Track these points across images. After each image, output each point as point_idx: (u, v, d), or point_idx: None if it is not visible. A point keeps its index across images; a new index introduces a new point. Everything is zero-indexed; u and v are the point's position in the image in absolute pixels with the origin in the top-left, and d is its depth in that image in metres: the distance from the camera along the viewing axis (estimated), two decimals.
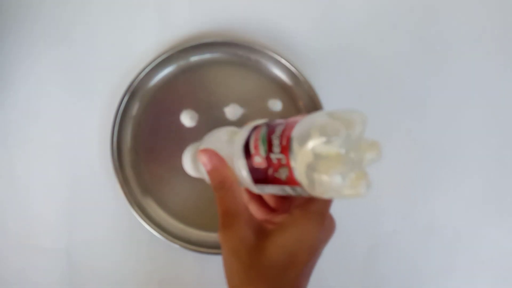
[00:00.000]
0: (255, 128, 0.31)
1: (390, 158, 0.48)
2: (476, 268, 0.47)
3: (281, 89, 0.48)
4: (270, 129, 0.29)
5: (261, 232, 0.30)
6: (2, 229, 0.46)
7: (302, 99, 0.47)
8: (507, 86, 0.50)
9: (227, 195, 0.31)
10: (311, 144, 0.25)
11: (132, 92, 0.46)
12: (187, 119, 0.47)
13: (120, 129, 0.46)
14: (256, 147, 0.29)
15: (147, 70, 0.46)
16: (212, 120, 0.47)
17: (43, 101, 0.48)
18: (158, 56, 0.46)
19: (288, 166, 0.27)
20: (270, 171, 0.28)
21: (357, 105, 0.49)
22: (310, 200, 0.30)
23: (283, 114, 0.47)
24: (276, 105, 0.47)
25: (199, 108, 0.47)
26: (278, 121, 0.30)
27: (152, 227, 0.44)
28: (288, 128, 0.28)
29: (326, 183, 0.25)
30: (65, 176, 0.46)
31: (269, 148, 0.28)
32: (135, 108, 0.47)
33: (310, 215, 0.29)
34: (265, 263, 0.29)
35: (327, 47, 0.50)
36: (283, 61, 0.47)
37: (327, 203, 0.30)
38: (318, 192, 0.26)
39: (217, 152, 0.33)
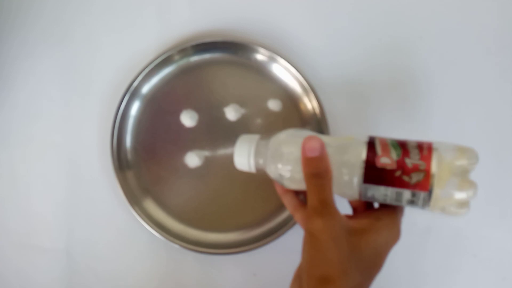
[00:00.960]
0: (373, 137, 0.34)
1: None
2: (476, 268, 0.47)
3: (281, 89, 0.48)
4: (399, 140, 0.33)
5: (350, 228, 0.32)
6: (2, 228, 0.46)
7: (302, 99, 0.47)
8: (507, 86, 0.50)
9: (329, 184, 0.32)
10: (460, 160, 0.31)
11: (132, 92, 0.46)
12: (187, 119, 0.47)
13: (120, 129, 0.46)
14: (385, 150, 0.32)
15: (147, 70, 0.46)
16: (212, 120, 0.47)
17: (43, 101, 0.48)
18: (158, 56, 0.46)
19: (426, 172, 0.31)
20: (398, 173, 0.31)
21: (357, 104, 0.49)
22: (395, 211, 0.34)
23: (283, 114, 0.47)
24: (276, 105, 0.47)
25: (199, 108, 0.47)
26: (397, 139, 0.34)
27: (152, 227, 0.44)
28: (424, 144, 0.32)
29: (461, 195, 0.31)
30: (65, 176, 0.47)
31: (405, 153, 0.32)
32: (135, 108, 0.47)
33: (395, 224, 0.33)
34: (360, 256, 0.31)
35: (327, 47, 0.50)
36: (283, 61, 0.47)
37: (402, 216, 0.34)
38: (442, 204, 0.31)
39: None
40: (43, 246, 0.46)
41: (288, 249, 0.46)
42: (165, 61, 0.47)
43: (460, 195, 0.31)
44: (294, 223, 0.45)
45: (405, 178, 0.31)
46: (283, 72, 0.47)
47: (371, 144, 0.33)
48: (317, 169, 0.32)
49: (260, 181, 0.46)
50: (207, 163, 0.46)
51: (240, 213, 0.46)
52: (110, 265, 0.46)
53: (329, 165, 0.33)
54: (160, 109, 0.47)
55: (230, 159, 0.46)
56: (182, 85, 0.47)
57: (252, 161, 0.37)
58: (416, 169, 0.31)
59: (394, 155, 0.32)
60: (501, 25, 0.51)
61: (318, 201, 0.32)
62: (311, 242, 0.31)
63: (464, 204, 0.31)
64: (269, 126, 0.47)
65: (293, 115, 0.47)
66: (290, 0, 0.50)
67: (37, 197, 0.46)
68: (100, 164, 0.46)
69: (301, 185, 0.34)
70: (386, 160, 0.32)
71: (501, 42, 0.50)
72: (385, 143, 0.33)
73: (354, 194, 0.33)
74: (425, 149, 0.32)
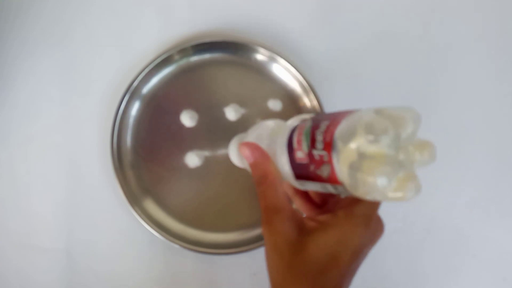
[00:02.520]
0: (301, 122, 0.30)
1: None
2: (476, 268, 0.47)
3: (281, 89, 0.48)
4: (315, 124, 0.28)
5: (303, 229, 0.29)
6: (2, 228, 0.46)
7: (302, 99, 0.47)
8: (507, 86, 0.50)
9: (269, 190, 0.30)
10: (356, 142, 0.24)
11: (132, 92, 0.46)
12: (187, 119, 0.47)
13: (120, 129, 0.46)
14: (299, 142, 0.28)
15: (147, 70, 0.46)
16: (212, 120, 0.47)
17: (43, 101, 0.48)
18: (158, 56, 0.46)
19: (330, 163, 0.26)
20: (312, 168, 0.27)
21: (358, 104, 0.48)
22: (356, 201, 0.29)
23: (283, 114, 0.47)
24: (276, 105, 0.47)
25: (199, 108, 0.47)
26: (326, 115, 0.29)
27: (152, 227, 0.44)
28: (333, 124, 0.26)
29: (370, 184, 0.24)
30: (65, 176, 0.47)
31: (312, 144, 0.27)
32: (135, 108, 0.47)
33: (355, 217, 0.29)
34: (306, 261, 0.28)
35: (327, 47, 0.50)
36: (283, 61, 0.47)
37: (374, 205, 0.29)
38: (361, 193, 0.25)
39: (259, 145, 0.32)
40: (43, 246, 0.46)
41: None
42: (165, 61, 0.47)
43: (374, 181, 0.24)
44: None
45: (318, 172, 0.27)
46: (283, 72, 0.47)
47: (291, 135, 0.29)
48: (254, 177, 0.31)
49: None
50: (207, 163, 0.46)
51: (240, 213, 0.46)
52: (110, 265, 0.46)
53: (267, 168, 0.31)
54: (160, 109, 0.47)
55: (230, 159, 0.46)
56: (182, 85, 0.47)
57: (239, 159, 0.37)
58: (322, 161, 0.26)
59: (305, 146, 0.27)
60: (501, 25, 0.51)
61: (262, 209, 0.31)
62: (265, 250, 0.31)
63: (401, 186, 0.24)
64: None
65: (293, 115, 0.46)
66: (290, 0, 0.50)
67: (37, 197, 0.46)
68: (100, 164, 0.46)
69: (293, 182, 0.31)
70: (300, 155, 0.28)
71: (501, 42, 0.50)
72: (300, 132, 0.28)
73: (301, 188, 0.30)
74: (328, 134, 0.26)
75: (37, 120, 0.47)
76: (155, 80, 0.47)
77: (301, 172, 0.28)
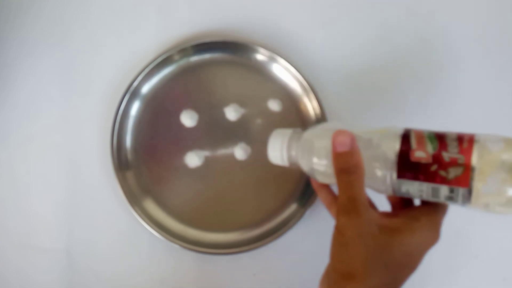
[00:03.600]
0: (409, 130, 0.32)
1: None
2: (477, 268, 0.47)
3: (281, 89, 0.48)
4: (437, 133, 0.31)
5: (383, 227, 0.31)
6: (2, 228, 0.46)
7: (302, 99, 0.47)
8: (507, 86, 0.50)
9: (358, 180, 0.31)
10: (506, 152, 0.28)
11: (132, 92, 0.46)
12: (187, 119, 0.47)
13: (120, 129, 0.46)
14: (420, 143, 0.30)
15: (147, 70, 0.46)
16: (212, 120, 0.47)
17: (43, 101, 0.48)
18: (158, 56, 0.46)
19: (465, 166, 0.28)
20: (434, 168, 0.30)
21: (358, 104, 0.49)
22: (435, 211, 0.32)
23: (283, 114, 0.47)
24: (276, 105, 0.47)
25: (199, 108, 0.47)
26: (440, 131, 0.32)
27: (152, 227, 0.44)
28: (465, 135, 0.30)
29: (504, 193, 0.28)
30: (65, 176, 0.46)
31: (442, 146, 0.30)
32: (135, 108, 0.47)
33: (434, 225, 0.32)
34: (390, 256, 0.30)
35: (327, 47, 0.50)
36: (283, 61, 0.47)
37: (444, 215, 0.33)
38: (485, 201, 0.29)
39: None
40: (43, 246, 0.46)
41: (288, 249, 0.46)
42: (165, 61, 0.47)
43: (506, 191, 0.28)
44: (294, 223, 0.45)
45: (442, 173, 0.29)
46: (283, 72, 0.47)
47: (405, 137, 0.31)
48: (346, 165, 0.32)
49: (261, 181, 0.46)
50: (207, 163, 0.46)
51: (240, 213, 0.46)
52: (110, 265, 0.46)
53: (360, 160, 0.32)
54: (160, 109, 0.47)
55: (230, 159, 0.46)
56: (182, 85, 0.47)
57: (285, 155, 0.37)
58: (454, 163, 0.29)
59: (430, 148, 0.30)
60: (501, 25, 0.51)
61: (346, 198, 0.31)
62: (337, 238, 0.32)
63: (511, 202, 0.28)
64: (269, 126, 0.47)
65: (293, 115, 0.47)
66: (291, 0, 0.50)
67: (37, 197, 0.46)
68: (100, 164, 0.46)
69: (333, 180, 0.33)
70: (421, 154, 0.30)
71: (501, 42, 0.50)
72: (421, 136, 0.31)
73: (388, 189, 0.32)
74: (465, 141, 0.29)
75: (37, 120, 0.47)
76: (155, 80, 0.47)
77: (412, 170, 0.30)
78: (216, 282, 0.46)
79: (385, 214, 0.34)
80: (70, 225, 0.46)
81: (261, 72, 0.48)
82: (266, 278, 0.46)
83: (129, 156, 0.46)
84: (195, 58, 0.48)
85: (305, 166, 0.36)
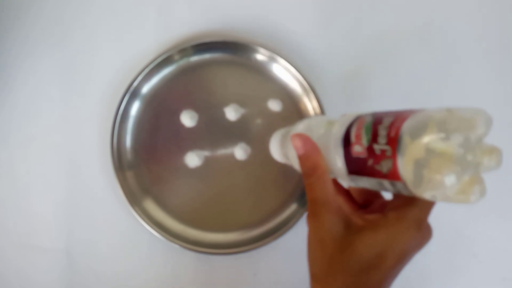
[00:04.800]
0: (358, 117, 0.29)
1: None
2: (477, 268, 0.47)
3: (281, 89, 0.48)
4: (377, 119, 0.28)
5: (350, 225, 0.29)
6: (2, 228, 0.46)
7: (302, 99, 0.47)
8: (507, 86, 0.50)
9: (318, 182, 0.30)
10: (427, 138, 0.23)
11: (132, 92, 0.46)
12: (187, 119, 0.47)
13: (120, 129, 0.46)
14: (357, 136, 0.28)
15: (147, 70, 0.46)
16: (212, 120, 0.47)
17: (43, 101, 0.48)
18: (158, 56, 0.46)
19: (393, 158, 0.25)
20: (370, 162, 0.27)
21: (358, 104, 0.49)
22: (408, 204, 0.28)
23: (283, 114, 0.47)
24: (276, 105, 0.47)
25: (199, 108, 0.47)
26: (387, 112, 0.28)
27: (152, 227, 0.44)
28: (398, 120, 0.26)
29: (437, 182, 0.23)
30: (65, 176, 0.47)
31: (374, 138, 0.26)
32: (135, 108, 0.47)
33: (407, 220, 0.28)
34: (351, 257, 0.28)
35: (328, 47, 0.50)
36: (283, 61, 0.47)
37: (427, 209, 0.29)
38: (423, 191, 0.24)
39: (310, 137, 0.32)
40: (43, 246, 0.46)
41: (288, 249, 0.46)
42: (165, 61, 0.47)
43: (442, 179, 0.23)
44: (294, 223, 0.45)
45: (377, 167, 0.26)
46: (283, 72, 0.47)
47: (348, 130, 0.29)
48: (304, 167, 0.31)
49: (261, 181, 0.46)
50: (207, 163, 0.46)
51: (240, 213, 0.46)
52: (110, 265, 0.46)
53: (317, 161, 0.31)
54: (160, 109, 0.47)
55: (230, 159, 0.46)
56: (182, 85, 0.47)
57: (281, 152, 0.37)
58: (383, 156, 0.26)
59: (365, 140, 0.27)
60: (501, 25, 0.51)
61: (309, 201, 0.31)
62: (307, 241, 0.32)
63: (467, 188, 0.24)
64: (269, 126, 0.47)
65: (293, 115, 0.47)
66: (291, 0, 0.50)
67: (37, 197, 0.46)
68: (100, 164, 0.46)
69: (343, 178, 0.31)
70: (358, 148, 0.28)
71: (501, 42, 0.50)
72: (360, 126, 0.28)
73: (351, 184, 0.30)
74: (393, 129, 0.25)
75: (37, 120, 0.47)
76: (155, 80, 0.47)
77: (356, 167, 0.28)
78: (216, 282, 0.46)
79: (376, 209, 0.32)
80: (70, 225, 0.46)
81: (261, 72, 0.48)
82: (266, 278, 0.46)
83: (129, 156, 0.46)
84: (195, 58, 0.48)
85: (292, 162, 0.35)
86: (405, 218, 0.28)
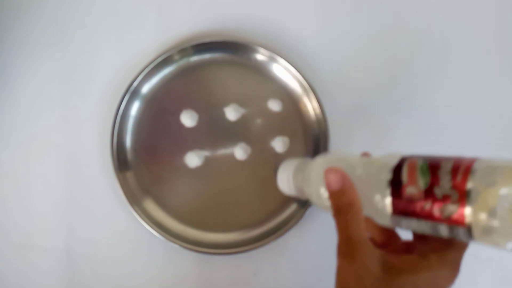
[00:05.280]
0: (404, 159, 0.29)
1: None
2: (476, 268, 0.47)
3: (281, 89, 0.48)
4: (432, 162, 0.27)
5: (388, 266, 0.29)
6: (2, 229, 0.46)
7: (302, 99, 0.47)
8: (507, 86, 0.50)
9: (354, 220, 0.29)
10: (503, 187, 0.23)
11: (132, 92, 0.46)
12: (187, 119, 0.47)
13: (120, 129, 0.46)
14: (411, 177, 0.27)
15: (147, 70, 0.46)
16: (212, 120, 0.47)
17: (43, 101, 0.48)
18: (158, 56, 0.46)
19: (460, 203, 0.25)
20: (427, 206, 0.26)
21: (358, 104, 0.49)
22: (447, 247, 0.29)
23: (283, 114, 0.47)
24: (276, 105, 0.47)
25: (199, 108, 0.47)
26: (436, 156, 0.28)
27: (152, 227, 0.44)
28: (461, 166, 0.26)
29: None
30: (65, 176, 0.46)
31: (434, 181, 0.26)
32: (135, 108, 0.47)
33: (447, 263, 0.28)
34: None
35: (328, 47, 0.50)
36: (283, 61, 0.47)
37: (463, 250, 0.29)
38: (490, 240, 0.25)
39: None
40: (43, 246, 0.46)
41: (288, 249, 0.46)
42: (165, 61, 0.47)
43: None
44: (294, 223, 0.45)
45: (436, 211, 0.26)
46: (283, 72, 0.47)
47: (397, 169, 0.28)
48: (339, 204, 0.30)
49: (261, 181, 0.46)
50: (207, 163, 0.46)
51: (240, 213, 0.46)
52: (110, 265, 0.46)
53: (353, 198, 0.30)
54: (160, 109, 0.47)
55: (230, 159, 0.46)
56: (182, 85, 0.47)
57: (292, 185, 0.37)
58: (447, 200, 0.25)
59: (422, 183, 0.27)
60: (501, 25, 0.51)
61: (343, 239, 0.30)
62: (337, 280, 0.30)
63: None
64: (269, 126, 0.47)
65: (293, 115, 0.47)
66: (291, 0, 0.50)
67: (37, 197, 0.46)
68: (100, 164, 0.46)
69: (382, 218, 0.31)
70: (412, 190, 0.27)
71: (501, 42, 0.50)
72: (413, 168, 0.28)
73: (390, 223, 0.29)
74: (459, 174, 0.25)
75: (37, 120, 0.47)
76: (155, 80, 0.47)
77: (405, 208, 0.28)
78: (216, 282, 0.46)
79: (399, 249, 0.32)
80: (70, 225, 0.46)
81: (261, 72, 0.48)
82: (266, 278, 0.46)
83: (129, 156, 0.46)
84: (195, 58, 0.48)
85: (312, 196, 0.35)
86: (447, 260, 0.29)
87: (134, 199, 0.45)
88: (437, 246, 0.29)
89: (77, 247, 0.46)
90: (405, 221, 0.28)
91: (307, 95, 0.47)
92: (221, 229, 0.46)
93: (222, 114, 0.47)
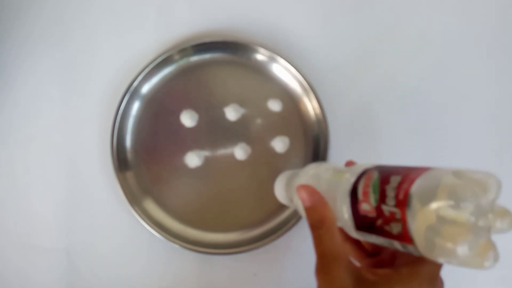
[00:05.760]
0: (365, 172, 0.29)
1: (390, 159, 0.48)
2: None
3: (281, 89, 0.48)
4: (384, 177, 0.27)
5: (361, 281, 0.28)
6: (2, 229, 0.46)
7: (302, 99, 0.47)
8: (507, 86, 0.50)
9: (326, 235, 0.29)
10: (436, 205, 0.23)
11: (132, 92, 0.46)
12: (187, 119, 0.47)
13: (120, 129, 0.46)
14: (365, 194, 0.27)
15: (147, 70, 0.46)
16: (212, 120, 0.47)
17: (43, 101, 0.48)
18: (158, 56, 0.46)
19: (403, 222, 0.25)
20: (379, 222, 0.26)
21: (358, 104, 0.49)
22: (419, 261, 0.28)
23: (283, 114, 0.47)
24: (276, 105, 0.47)
25: (199, 108, 0.47)
26: (392, 168, 0.28)
27: (152, 227, 0.44)
28: (406, 181, 0.25)
29: (450, 251, 0.23)
30: (65, 176, 0.47)
31: (382, 199, 0.26)
32: (135, 108, 0.47)
33: (421, 276, 0.28)
34: None
35: (328, 47, 0.50)
36: (283, 61, 0.47)
37: (439, 265, 0.28)
38: (436, 256, 0.24)
39: (316, 189, 0.31)
40: (43, 246, 0.46)
41: (288, 249, 0.46)
42: (165, 61, 0.47)
43: (455, 248, 0.23)
44: (294, 223, 0.45)
45: (387, 228, 0.26)
46: (283, 72, 0.47)
47: (355, 186, 0.28)
48: (311, 220, 0.30)
49: (261, 181, 0.46)
50: (207, 163, 0.46)
51: (240, 213, 0.46)
52: (110, 265, 0.46)
53: (325, 214, 0.30)
54: (160, 109, 0.47)
55: (230, 159, 0.46)
56: (182, 85, 0.47)
57: (285, 196, 0.37)
58: (393, 218, 0.25)
59: (373, 200, 0.27)
60: (501, 25, 0.51)
61: (317, 255, 0.30)
62: None
63: (478, 255, 0.24)
64: (269, 126, 0.47)
65: (293, 115, 0.47)
66: (290, 0, 0.50)
67: (37, 197, 0.46)
68: (100, 164, 0.46)
69: (351, 232, 0.31)
70: (366, 207, 0.27)
71: (501, 42, 0.50)
72: (367, 183, 0.28)
73: (359, 238, 0.29)
74: (401, 191, 0.25)
75: (37, 120, 0.47)
76: (155, 80, 0.47)
77: (364, 224, 0.28)
78: (216, 282, 0.46)
79: (386, 259, 0.32)
80: (70, 225, 0.46)
81: (261, 72, 0.48)
82: (266, 278, 0.46)
83: (129, 156, 0.46)
84: (195, 58, 0.48)
85: (299, 209, 0.35)
86: (419, 274, 0.28)
87: (134, 199, 0.45)
88: (410, 259, 0.28)
89: (77, 247, 0.46)
90: (368, 236, 0.28)
91: (307, 95, 0.47)
92: (221, 229, 0.46)
93: (222, 114, 0.47)
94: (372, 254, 0.34)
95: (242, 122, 0.47)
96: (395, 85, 0.49)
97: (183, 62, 0.48)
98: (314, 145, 0.47)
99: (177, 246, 0.44)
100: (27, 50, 0.48)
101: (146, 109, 0.47)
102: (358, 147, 0.48)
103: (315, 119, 0.47)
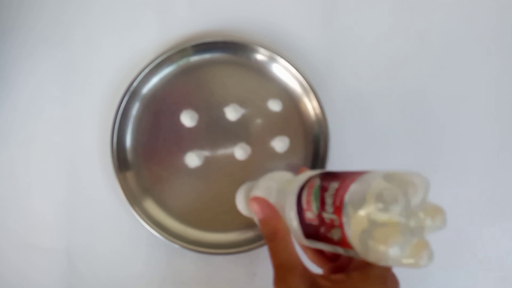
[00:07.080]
0: (308, 180, 0.29)
1: (390, 159, 0.48)
2: (476, 268, 0.47)
3: (281, 89, 0.48)
4: (324, 184, 0.27)
5: (316, 287, 0.29)
6: (2, 229, 0.46)
7: (302, 99, 0.47)
8: (507, 86, 0.50)
9: (280, 246, 0.30)
10: (366, 210, 0.24)
11: (132, 92, 0.46)
12: (187, 119, 0.47)
13: (120, 129, 0.46)
14: (308, 202, 0.28)
15: (147, 70, 0.46)
16: (212, 120, 0.47)
17: (43, 101, 0.48)
18: (158, 56, 0.46)
19: (341, 228, 0.25)
20: (322, 230, 0.27)
21: (357, 104, 0.49)
22: (367, 264, 0.28)
23: (283, 114, 0.47)
24: (276, 105, 0.47)
25: (199, 108, 0.47)
26: (334, 174, 0.28)
27: (152, 227, 0.44)
28: (342, 188, 0.26)
29: (383, 252, 0.24)
30: (65, 176, 0.47)
31: (322, 207, 0.27)
32: (135, 108, 0.47)
33: (371, 279, 0.28)
34: None
35: (328, 47, 0.50)
36: (283, 61, 0.47)
37: (387, 267, 0.29)
38: (373, 259, 0.25)
39: (268, 200, 0.32)
40: (43, 247, 0.46)
41: None
42: (165, 61, 0.47)
43: (386, 250, 0.23)
44: None
45: (329, 235, 0.26)
46: (283, 72, 0.47)
47: (299, 195, 0.29)
48: (264, 232, 0.31)
49: None
50: (207, 163, 0.46)
51: (240, 213, 0.46)
52: (110, 265, 0.46)
53: (276, 225, 0.30)
54: (160, 109, 0.47)
55: (230, 159, 0.46)
56: (182, 85, 0.47)
57: (246, 208, 0.38)
58: (333, 225, 0.26)
59: (315, 208, 0.27)
60: (501, 25, 0.51)
61: (274, 267, 0.30)
62: None
63: (414, 254, 0.24)
64: (269, 126, 0.47)
65: (293, 115, 0.47)
66: (291, 0, 0.50)
67: (37, 197, 0.46)
68: (100, 164, 0.46)
69: (302, 241, 0.31)
70: (309, 215, 0.28)
71: (501, 42, 0.50)
72: (310, 191, 0.28)
73: (309, 245, 0.30)
74: (338, 198, 0.26)
75: (38, 121, 0.47)
76: (155, 80, 0.47)
77: (311, 232, 0.28)
78: (216, 282, 0.46)
79: (345, 263, 0.32)
80: (70, 225, 0.46)
81: (261, 72, 0.48)
82: (266, 278, 0.45)
83: (129, 156, 0.46)
84: (195, 58, 0.48)
85: (255, 220, 0.35)
86: (368, 277, 0.28)
87: (134, 199, 0.45)
88: (361, 262, 0.29)
89: (77, 247, 0.46)
90: (317, 243, 0.28)
91: (307, 95, 0.47)
92: (221, 229, 0.46)
93: (222, 114, 0.47)
94: (333, 259, 0.34)
95: (242, 122, 0.47)
96: (396, 85, 0.49)
97: (183, 62, 0.48)
98: (314, 145, 0.47)
99: (177, 246, 0.44)
100: (27, 50, 0.48)
101: (146, 109, 0.47)
102: (358, 147, 0.48)
103: (315, 119, 0.47)
